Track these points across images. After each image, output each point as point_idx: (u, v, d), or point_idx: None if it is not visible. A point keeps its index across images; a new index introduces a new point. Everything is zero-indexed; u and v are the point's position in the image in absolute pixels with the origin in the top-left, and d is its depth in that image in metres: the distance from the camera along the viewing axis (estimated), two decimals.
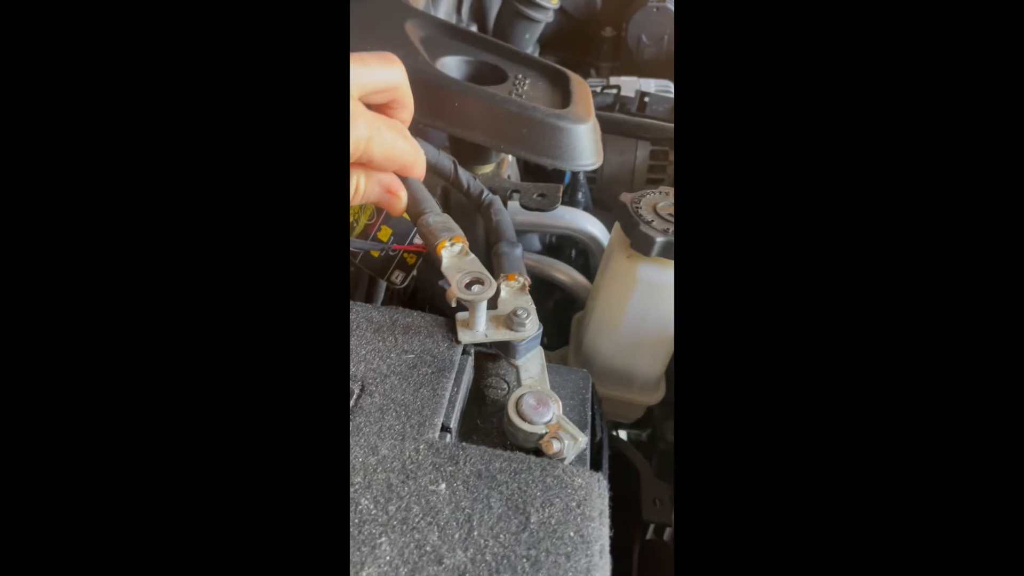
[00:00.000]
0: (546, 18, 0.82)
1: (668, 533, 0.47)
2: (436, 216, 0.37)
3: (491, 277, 0.34)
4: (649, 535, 0.48)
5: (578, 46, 1.07)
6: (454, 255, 0.36)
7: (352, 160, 0.31)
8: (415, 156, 0.34)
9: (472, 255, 0.36)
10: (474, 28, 0.85)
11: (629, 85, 0.79)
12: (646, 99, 0.72)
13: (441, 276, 0.43)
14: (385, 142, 0.32)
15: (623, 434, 0.61)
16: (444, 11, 0.74)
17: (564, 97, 0.48)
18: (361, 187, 0.33)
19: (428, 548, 0.24)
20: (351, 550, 0.24)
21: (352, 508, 0.25)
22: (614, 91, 0.74)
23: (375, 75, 0.33)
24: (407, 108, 0.35)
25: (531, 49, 0.87)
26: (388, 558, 0.24)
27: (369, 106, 0.33)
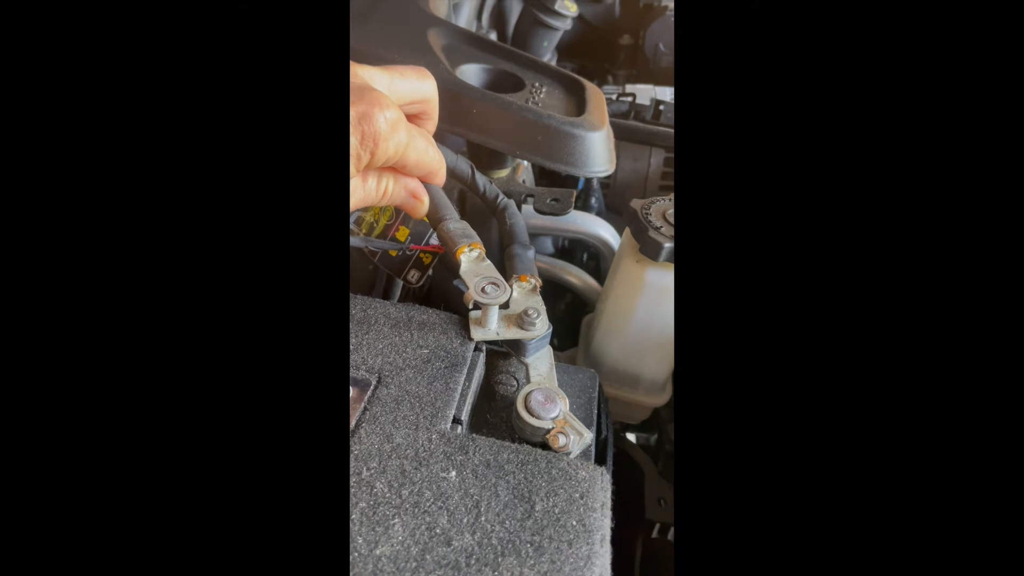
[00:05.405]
0: (564, 26, 0.84)
1: (672, 532, 0.48)
2: (455, 223, 0.39)
3: (505, 282, 0.36)
4: (654, 534, 0.49)
5: (596, 53, 1.08)
6: (472, 260, 0.37)
7: (387, 164, 0.33)
8: (440, 164, 0.36)
9: (488, 261, 0.38)
10: (494, 35, 0.86)
11: (645, 93, 0.80)
12: (661, 107, 0.73)
13: (455, 276, 0.45)
14: (418, 148, 0.34)
15: (632, 437, 0.62)
16: (465, 18, 0.76)
17: (579, 105, 0.50)
18: (389, 189, 0.35)
19: (438, 530, 0.26)
20: (366, 529, 0.25)
21: (367, 491, 0.27)
22: (629, 99, 0.75)
23: (412, 87, 0.35)
24: (434, 120, 0.38)
25: (549, 56, 0.88)
26: (400, 538, 0.25)
27: None
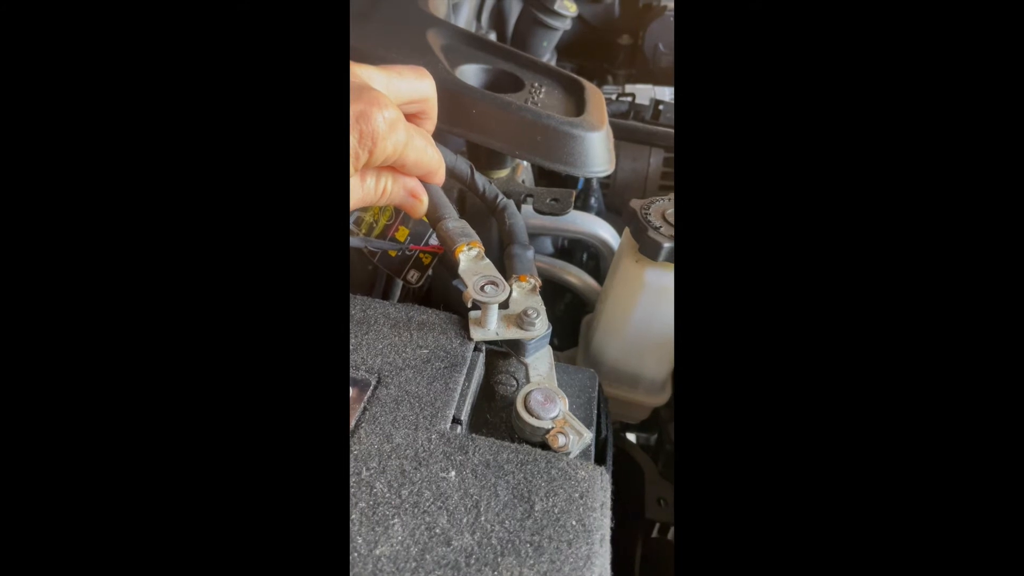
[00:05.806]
0: (564, 26, 0.84)
1: (672, 532, 0.48)
2: (454, 222, 0.39)
3: (505, 281, 0.36)
4: (654, 534, 0.49)
5: (595, 53, 1.08)
6: (471, 259, 0.37)
7: (386, 163, 0.33)
8: (439, 164, 0.36)
9: (487, 260, 0.38)
10: (493, 35, 0.86)
11: (644, 93, 0.80)
12: (660, 107, 0.73)
13: (455, 276, 0.45)
14: (417, 148, 0.34)
15: (631, 437, 0.62)
16: (464, 18, 0.76)
17: (578, 105, 0.50)
18: (388, 189, 0.35)
19: (438, 530, 0.26)
20: (366, 529, 0.25)
21: (367, 491, 0.27)
22: (629, 99, 0.75)
23: (411, 87, 0.35)
24: (433, 119, 0.38)
25: (548, 56, 0.88)
26: (400, 538, 0.25)
27: None
